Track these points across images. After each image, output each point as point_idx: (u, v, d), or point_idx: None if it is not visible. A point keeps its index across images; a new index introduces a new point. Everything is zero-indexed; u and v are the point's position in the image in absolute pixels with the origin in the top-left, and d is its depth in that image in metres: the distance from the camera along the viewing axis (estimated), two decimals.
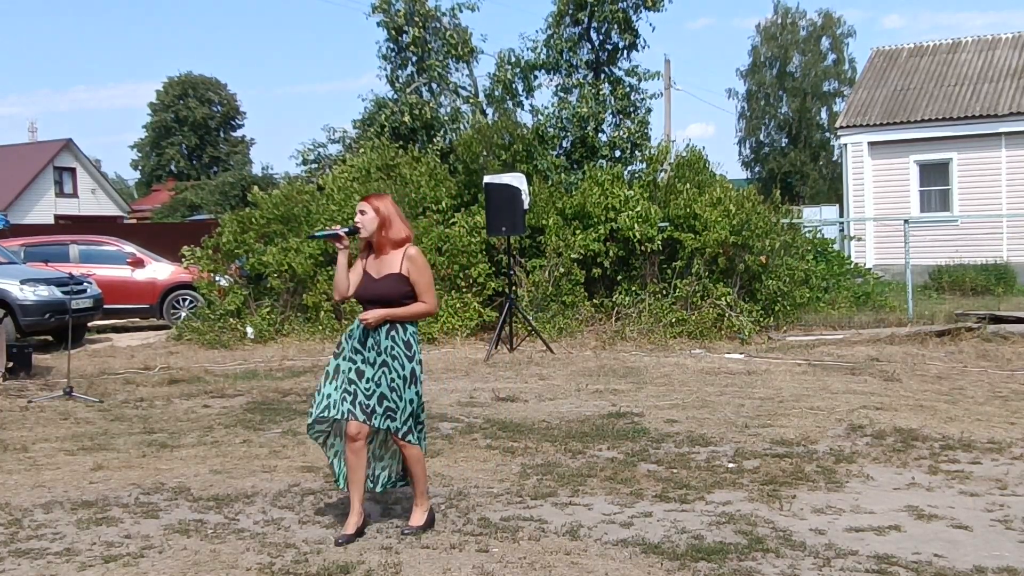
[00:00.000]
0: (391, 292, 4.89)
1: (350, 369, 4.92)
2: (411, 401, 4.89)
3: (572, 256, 13.92)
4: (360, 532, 4.88)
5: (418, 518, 4.98)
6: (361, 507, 4.93)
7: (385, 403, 4.86)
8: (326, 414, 4.93)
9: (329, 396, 4.94)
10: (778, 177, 46.01)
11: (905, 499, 5.41)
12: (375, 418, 4.84)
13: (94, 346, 14.41)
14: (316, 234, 5.04)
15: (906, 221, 15.66)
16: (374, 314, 4.84)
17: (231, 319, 14.19)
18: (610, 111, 18.28)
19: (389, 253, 4.96)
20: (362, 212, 4.98)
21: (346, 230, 5.00)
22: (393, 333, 4.88)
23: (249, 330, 13.80)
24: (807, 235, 16.65)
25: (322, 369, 5.13)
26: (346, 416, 4.89)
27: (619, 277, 14.39)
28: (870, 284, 16.96)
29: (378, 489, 5.16)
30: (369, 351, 4.89)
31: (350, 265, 5.02)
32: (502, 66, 18.85)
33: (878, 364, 10.68)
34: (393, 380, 4.86)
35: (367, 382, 4.87)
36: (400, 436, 4.88)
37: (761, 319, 13.35)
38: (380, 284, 4.91)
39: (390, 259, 4.95)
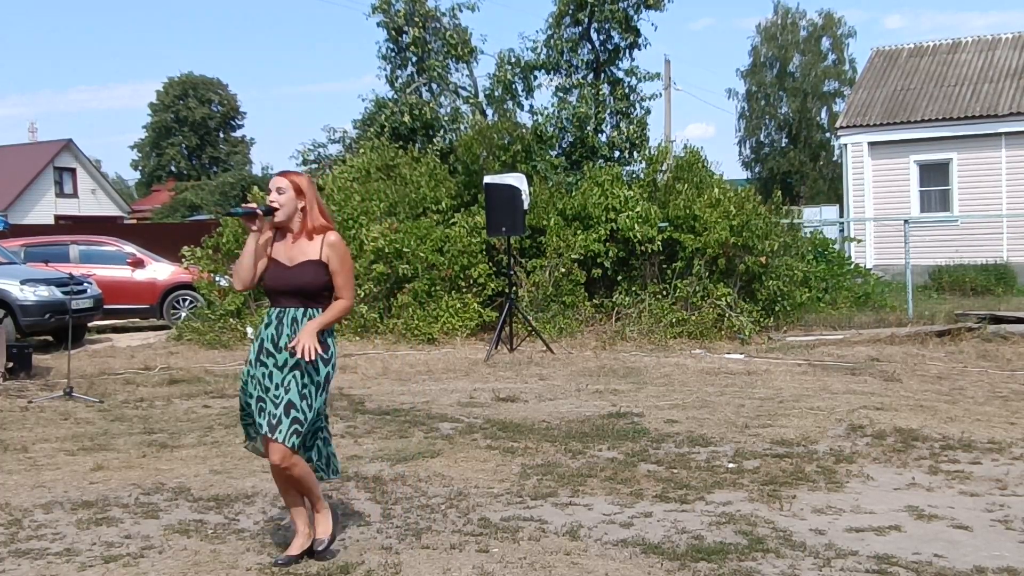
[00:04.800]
0: (311, 282, 4.33)
1: (264, 375, 4.33)
2: (317, 412, 4.34)
3: (572, 256, 13.92)
4: (310, 553, 4.50)
5: (325, 526, 4.49)
6: (307, 528, 4.51)
7: (293, 413, 4.23)
8: (251, 432, 4.48)
9: (249, 415, 4.42)
10: (778, 177, 46.02)
11: (905, 499, 5.40)
12: (279, 432, 4.21)
13: (94, 346, 14.41)
14: (234, 210, 4.48)
15: (906, 221, 15.68)
16: (305, 340, 4.20)
17: (231, 319, 14.19)
18: (609, 111, 18.28)
19: (305, 239, 4.39)
20: (279, 191, 4.37)
21: (261, 209, 4.40)
22: None
23: (249, 330, 13.79)
24: (807, 235, 16.66)
25: None
26: (263, 432, 4.30)
27: (619, 277, 14.39)
28: (870, 284, 16.95)
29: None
30: (281, 353, 4.30)
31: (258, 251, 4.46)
32: (502, 66, 18.85)
33: (878, 364, 10.68)
34: (305, 386, 4.26)
35: (276, 388, 4.28)
36: (287, 442, 4.22)
37: (761, 319, 13.35)
38: (296, 272, 4.34)
39: (306, 245, 4.38)
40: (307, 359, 4.21)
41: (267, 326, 4.39)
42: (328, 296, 4.42)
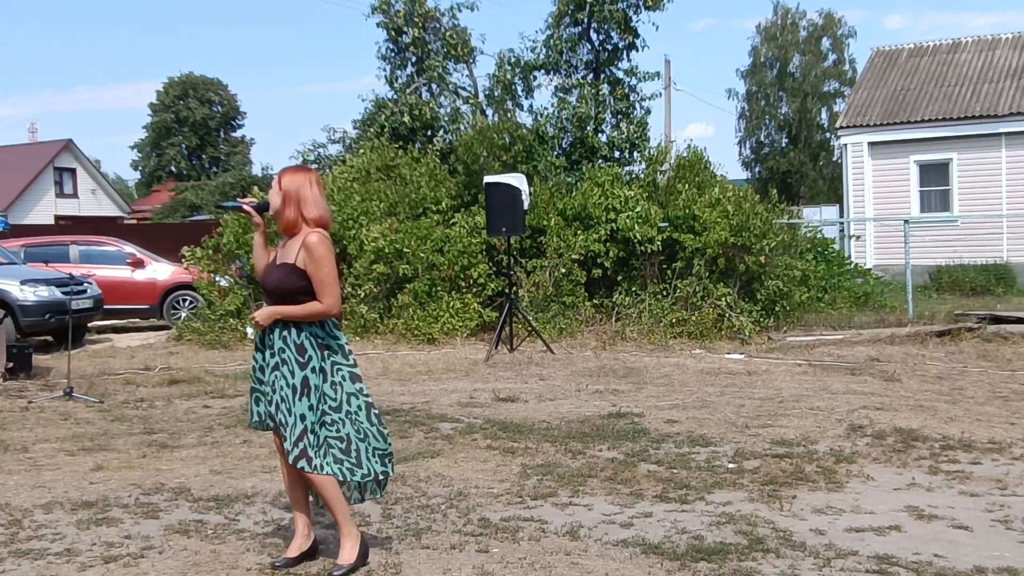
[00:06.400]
0: (282, 284, 4.22)
1: (257, 368, 4.37)
2: (302, 417, 4.14)
3: (573, 257, 13.92)
4: (309, 555, 4.45)
5: (348, 554, 4.30)
6: (308, 529, 4.47)
7: (279, 415, 4.20)
8: (253, 422, 4.44)
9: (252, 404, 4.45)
10: (778, 177, 46.03)
11: (905, 499, 5.40)
12: (285, 432, 4.20)
13: (94, 346, 14.41)
14: (223, 203, 4.48)
15: (906, 221, 15.69)
16: (262, 313, 4.20)
17: (231, 319, 14.19)
18: (609, 111, 18.29)
19: (293, 239, 4.31)
20: (270, 187, 4.40)
21: (255, 204, 4.45)
22: (285, 333, 4.20)
23: (249, 330, 13.79)
24: (807, 235, 16.65)
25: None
26: (259, 421, 4.39)
27: (619, 277, 14.39)
28: (870, 284, 16.96)
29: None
30: (266, 350, 4.29)
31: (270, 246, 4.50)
32: (502, 66, 18.86)
33: (878, 364, 10.68)
34: (282, 388, 4.17)
35: (265, 386, 4.31)
36: (289, 459, 4.19)
37: (761, 319, 13.36)
38: (272, 274, 4.31)
39: (292, 246, 4.29)
40: (257, 322, 4.21)
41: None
42: (307, 299, 4.23)
